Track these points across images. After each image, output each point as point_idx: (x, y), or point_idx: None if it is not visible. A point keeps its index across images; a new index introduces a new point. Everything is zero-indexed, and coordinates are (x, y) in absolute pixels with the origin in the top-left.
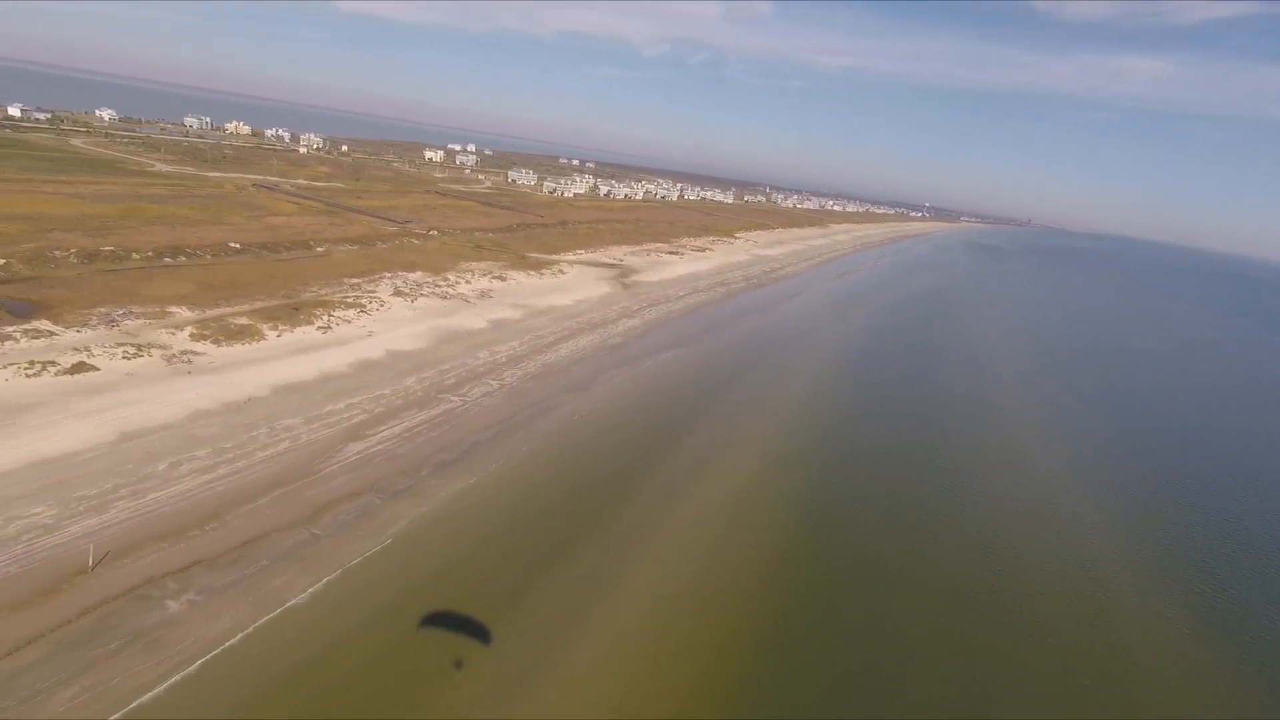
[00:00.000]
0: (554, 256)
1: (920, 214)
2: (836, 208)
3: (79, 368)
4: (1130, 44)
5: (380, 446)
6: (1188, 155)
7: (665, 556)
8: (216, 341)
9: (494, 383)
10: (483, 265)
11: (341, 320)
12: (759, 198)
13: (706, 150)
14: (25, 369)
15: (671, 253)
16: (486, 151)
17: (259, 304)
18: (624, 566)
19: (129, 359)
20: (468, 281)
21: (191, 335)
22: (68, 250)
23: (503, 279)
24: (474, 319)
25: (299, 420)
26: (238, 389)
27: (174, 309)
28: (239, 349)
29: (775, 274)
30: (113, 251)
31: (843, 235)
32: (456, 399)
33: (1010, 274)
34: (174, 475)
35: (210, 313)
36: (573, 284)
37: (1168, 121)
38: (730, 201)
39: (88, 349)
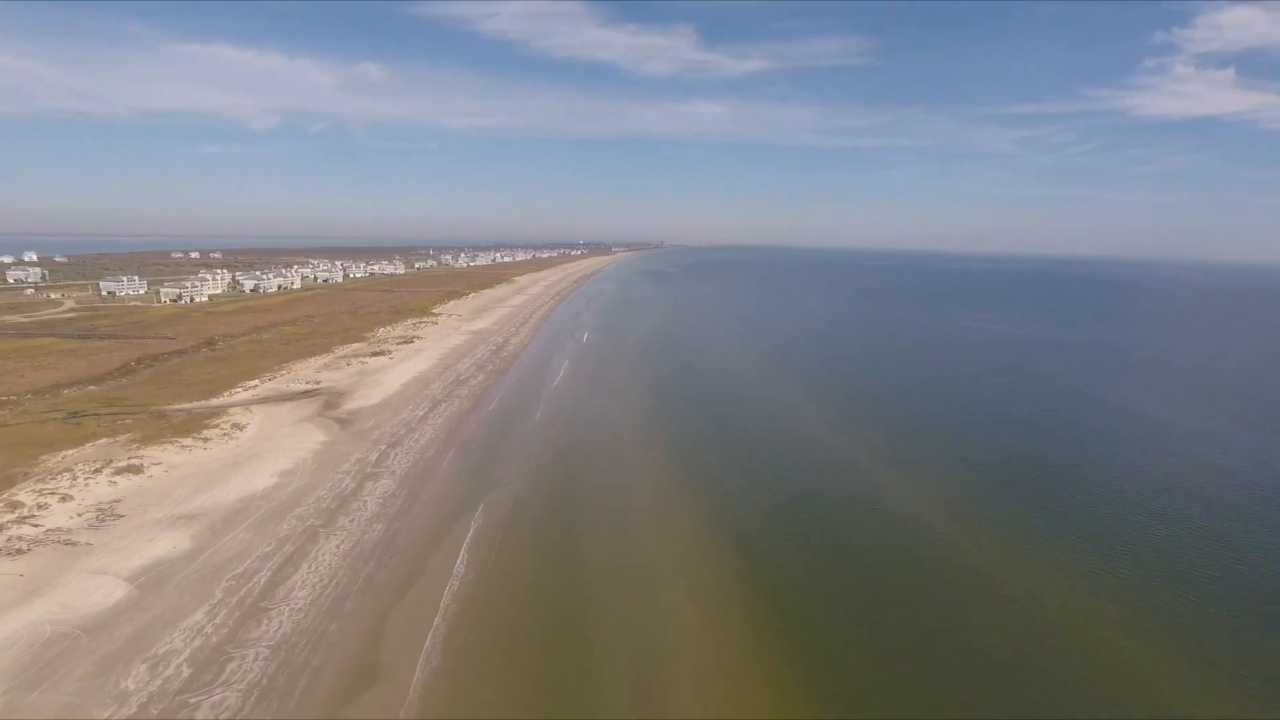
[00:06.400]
0: (215, 401)
1: (578, 251)
2: (507, 259)
3: None
4: (697, 93)
5: None
6: (754, 176)
7: None
8: None
9: None
10: (91, 451)
11: None
12: (429, 262)
13: (354, 220)
14: None
15: (376, 354)
16: (59, 259)
17: None
18: None
19: None
20: (64, 498)
21: None
22: None
23: (137, 469)
24: (91, 591)
25: None
26: None
27: None
28: None
29: (504, 350)
30: None
31: (534, 287)
32: None
33: (695, 292)
34: None
35: None
36: (263, 443)
37: (737, 151)
38: (403, 272)
39: None
